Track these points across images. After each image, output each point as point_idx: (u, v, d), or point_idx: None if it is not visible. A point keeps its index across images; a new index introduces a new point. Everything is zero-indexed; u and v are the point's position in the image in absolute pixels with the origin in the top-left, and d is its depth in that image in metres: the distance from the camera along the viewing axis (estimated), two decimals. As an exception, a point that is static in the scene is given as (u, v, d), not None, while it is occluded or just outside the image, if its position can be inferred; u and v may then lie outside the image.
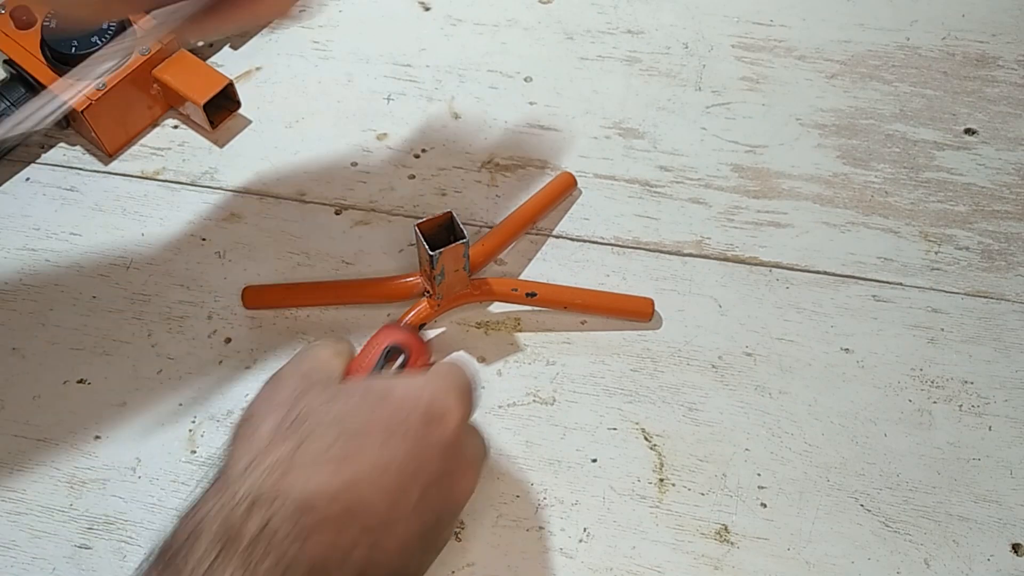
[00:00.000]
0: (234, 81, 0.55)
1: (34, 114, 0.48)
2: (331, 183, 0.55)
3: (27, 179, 0.55)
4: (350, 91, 0.59)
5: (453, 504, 0.37)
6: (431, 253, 0.44)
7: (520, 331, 0.50)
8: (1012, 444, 0.47)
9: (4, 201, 0.55)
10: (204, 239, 0.53)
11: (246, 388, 0.48)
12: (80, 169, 0.56)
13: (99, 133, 0.54)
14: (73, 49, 0.52)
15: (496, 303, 0.51)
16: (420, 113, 0.58)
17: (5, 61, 0.54)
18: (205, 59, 0.59)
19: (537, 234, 0.53)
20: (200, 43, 0.60)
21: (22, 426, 0.47)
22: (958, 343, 0.49)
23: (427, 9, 0.62)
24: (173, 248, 0.53)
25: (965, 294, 0.51)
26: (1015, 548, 0.44)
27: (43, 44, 0.53)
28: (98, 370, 0.49)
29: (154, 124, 0.58)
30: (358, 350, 0.42)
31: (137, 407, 0.48)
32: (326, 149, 0.56)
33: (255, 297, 0.51)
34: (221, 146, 0.57)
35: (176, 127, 0.58)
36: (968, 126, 0.57)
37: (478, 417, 0.44)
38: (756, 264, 0.52)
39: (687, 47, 0.60)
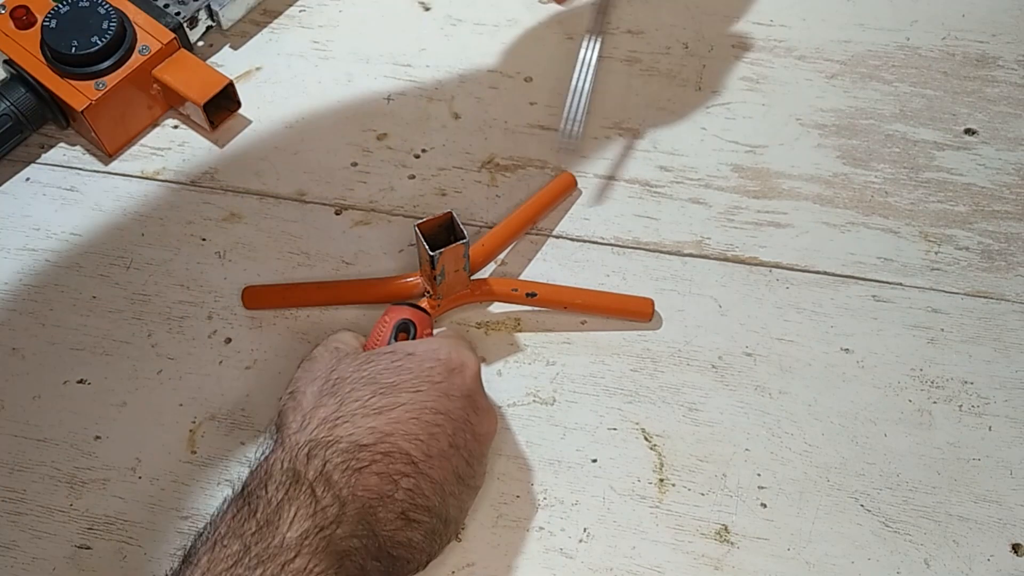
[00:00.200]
0: (234, 81, 0.55)
1: None
2: (331, 183, 0.55)
3: (27, 179, 0.55)
4: (350, 91, 0.59)
5: (481, 444, 0.42)
6: (431, 253, 0.44)
7: (520, 331, 0.50)
8: (1012, 444, 0.47)
9: (4, 201, 0.55)
10: (204, 239, 0.53)
11: (246, 388, 0.48)
12: (80, 169, 0.56)
13: (99, 133, 0.54)
14: (73, 49, 0.52)
15: (496, 303, 0.51)
16: (420, 113, 0.58)
17: (5, 61, 0.54)
18: (205, 59, 0.59)
19: (537, 234, 0.53)
20: (200, 43, 0.60)
21: (22, 426, 0.47)
22: (958, 343, 0.49)
23: (427, 9, 0.62)
24: (173, 248, 0.53)
25: (965, 294, 0.51)
26: (1015, 548, 0.44)
27: (43, 44, 0.53)
28: (98, 370, 0.49)
29: (154, 124, 0.58)
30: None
31: (137, 407, 0.48)
32: (326, 149, 0.56)
33: (255, 298, 0.51)
34: (221, 146, 0.57)
35: (176, 127, 0.58)
36: (968, 126, 0.57)
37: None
38: (756, 264, 0.52)
39: (687, 47, 0.60)
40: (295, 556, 0.33)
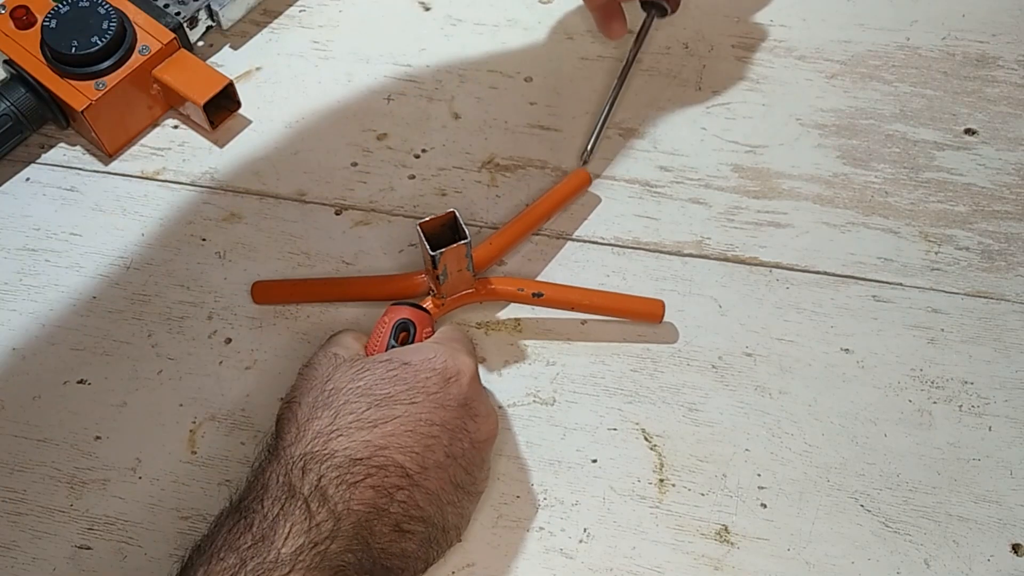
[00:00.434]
0: (234, 81, 0.55)
1: None
2: (331, 183, 0.55)
3: (27, 179, 0.55)
4: (350, 91, 0.59)
5: (480, 450, 0.41)
6: (432, 253, 0.44)
7: (520, 332, 0.50)
8: (1012, 444, 0.47)
9: (4, 201, 0.55)
10: (204, 239, 0.53)
11: (246, 388, 0.48)
12: (80, 169, 0.56)
13: (99, 133, 0.54)
14: (73, 49, 0.52)
15: (499, 304, 0.51)
16: (420, 113, 0.58)
17: (5, 61, 0.54)
18: (205, 59, 0.59)
19: (537, 234, 0.53)
20: (200, 43, 0.60)
21: (22, 426, 0.47)
22: (958, 343, 0.49)
23: (427, 9, 0.62)
24: (173, 248, 0.53)
25: (965, 294, 0.51)
26: (1015, 548, 0.44)
27: (43, 44, 0.53)
28: (98, 370, 0.49)
29: (154, 124, 0.58)
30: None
31: (137, 407, 0.48)
32: (326, 149, 0.56)
33: (264, 292, 0.51)
34: (221, 146, 0.57)
35: (176, 127, 0.58)
36: (968, 126, 0.57)
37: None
38: (756, 264, 0.52)
39: (687, 47, 0.60)
40: (289, 572, 0.34)
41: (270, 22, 0.61)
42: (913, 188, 0.55)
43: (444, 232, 0.45)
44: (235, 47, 0.60)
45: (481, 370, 0.49)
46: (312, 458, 0.37)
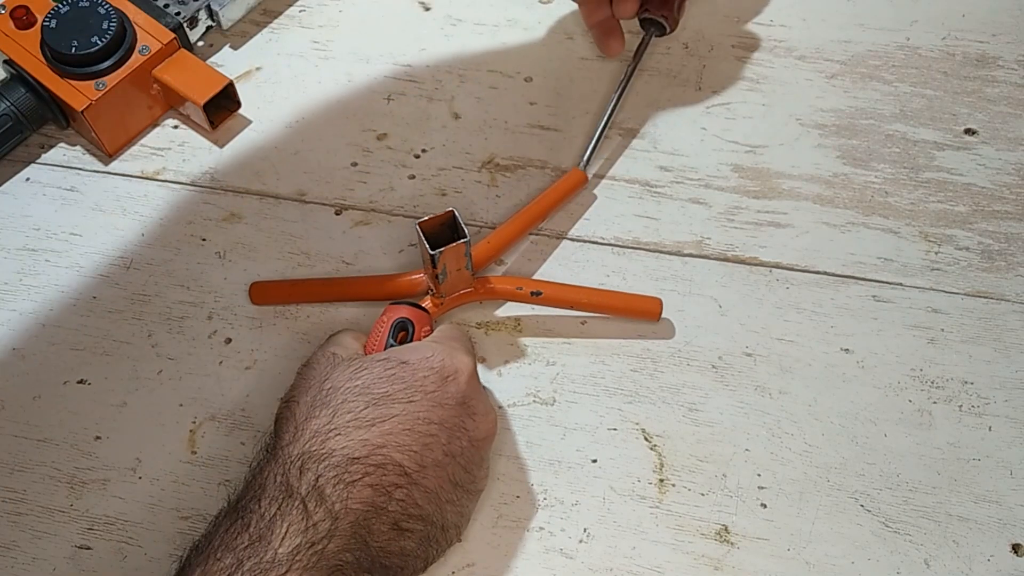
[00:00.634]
0: (234, 81, 0.55)
1: None
2: (331, 183, 0.55)
3: (27, 179, 0.55)
4: (350, 91, 0.59)
5: (479, 448, 0.41)
6: (432, 252, 0.44)
7: (520, 332, 0.50)
8: (1012, 444, 0.47)
9: (4, 201, 0.55)
10: (204, 239, 0.53)
11: (246, 388, 0.48)
12: (80, 169, 0.56)
13: (99, 133, 0.54)
14: (73, 49, 0.52)
15: (498, 303, 0.51)
16: (420, 113, 0.58)
17: (5, 61, 0.54)
18: (205, 59, 0.59)
19: (537, 234, 0.53)
20: (200, 43, 0.60)
21: (22, 426, 0.47)
22: (958, 343, 0.49)
23: (427, 9, 0.62)
24: (173, 248, 0.53)
25: (965, 294, 0.51)
26: (1015, 548, 0.44)
27: (43, 44, 0.53)
28: (98, 370, 0.49)
29: (154, 124, 0.58)
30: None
31: (137, 407, 0.48)
32: (326, 149, 0.56)
33: (261, 293, 0.51)
34: (221, 146, 0.57)
35: (176, 127, 0.58)
36: (968, 126, 0.57)
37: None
38: (756, 264, 0.52)
39: (687, 47, 0.60)
40: (286, 571, 0.34)
41: (270, 22, 0.61)
42: (913, 188, 0.55)
43: (443, 231, 0.45)
44: (235, 47, 0.60)
45: (481, 370, 0.49)
46: (310, 457, 0.37)
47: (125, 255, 0.53)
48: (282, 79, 0.59)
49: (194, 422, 0.47)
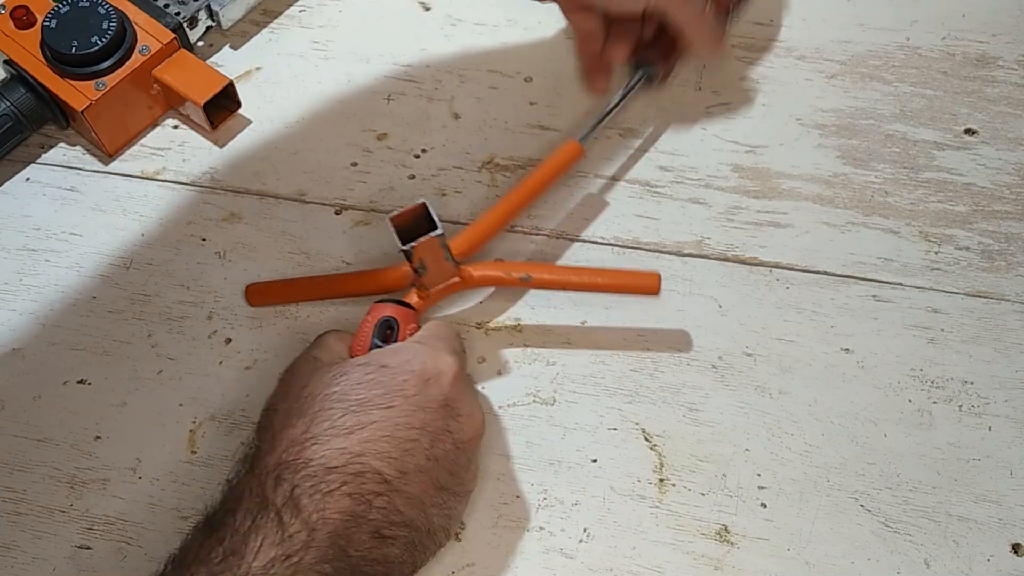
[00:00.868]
0: (234, 81, 0.55)
1: None
2: (331, 183, 0.55)
3: (27, 179, 0.55)
4: (350, 91, 0.59)
5: (464, 451, 0.41)
6: (403, 248, 0.43)
7: (520, 332, 0.50)
8: (1012, 444, 0.47)
9: (4, 201, 0.55)
10: (204, 239, 0.53)
11: (246, 388, 0.48)
12: (80, 169, 0.56)
13: (99, 133, 0.54)
14: (73, 49, 0.52)
15: (498, 302, 0.51)
16: (420, 113, 0.58)
17: (5, 61, 0.54)
18: (205, 59, 0.59)
19: (537, 234, 0.53)
20: (200, 43, 0.60)
21: (22, 426, 0.47)
22: (958, 343, 0.49)
23: (427, 9, 0.62)
24: (173, 248, 0.53)
25: (965, 294, 0.51)
26: (1015, 548, 0.44)
27: (43, 44, 0.53)
28: (98, 370, 0.49)
29: (154, 124, 0.58)
30: None
31: (137, 407, 0.48)
32: (326, 149, 0.56)
33: (257, 294, 0.51)
34: (221, 146, 0.57)
35: (176, 127, 0.58)
36: (968, 126, 0.57)
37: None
38: (756, 264, 0.52)
39: (687, 47, 0.60)
40: None
41: (270, 22, 0.61)
42: (913, 188, 0.55)
43: (420, 223, 0.44)
44: (235, 47, 0.60)
45: (481, 370, 0.49)
46: (286, 467, 0.36)
47: (125, 255, 0.53)
48: (282, 79, 0.59)
49: (194, 422, 0.47)
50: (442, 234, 0.43)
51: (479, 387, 0.48)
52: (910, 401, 0.48)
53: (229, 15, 0.59)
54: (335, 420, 0.37)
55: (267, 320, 0.50)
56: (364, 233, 0.53)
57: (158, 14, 0.56)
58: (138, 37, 0.54)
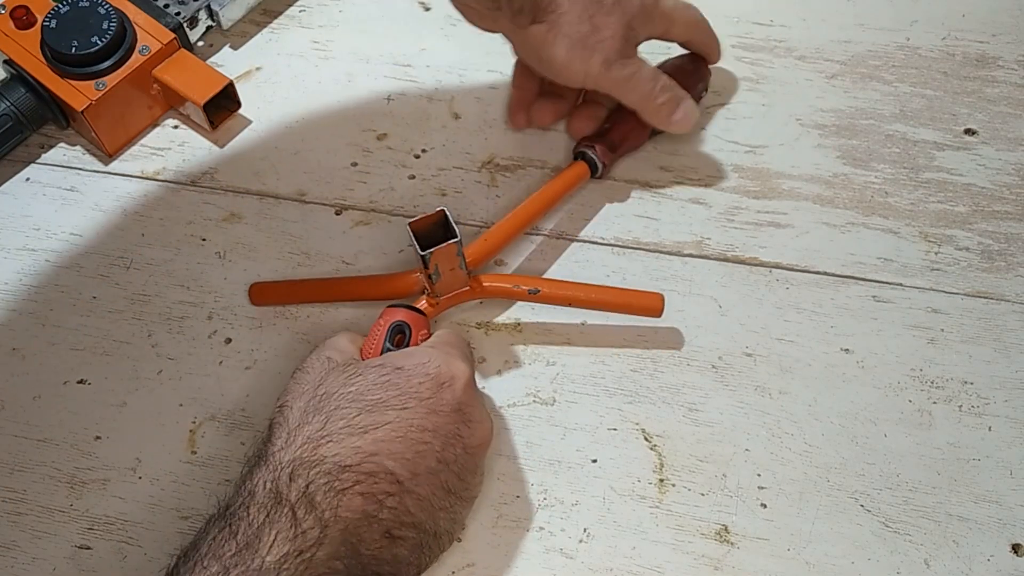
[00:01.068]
0: (234, 81, 0.55)
1: None
2: (331, 183, 0.55)
3: (27, 179, 0.55)
4: (350, 91, 0.59)
5: (473, 456, 0.41)
6: (422, 253, 0.43)
7: (520, 332, 0.50)
8: (1012, 444, 0.47)
9: (4, 201, 0.55)
10: (204, 239, 0.53)
11: (246, 388, 0.48)
12: (80, 169, 0.56)
13: (99, 133, 0.54)
14: (73, 49, 0.52)
15: (499, 303, 0.51)
16: (420, 113, 0.58)
17: (5, 61, 0.54)
18: (205, 59, 0.59)
19: (536, 234, 0.53)
20: (200, 43, 0.60)
21: (22, 426, 0.47)
22: (958, 343, 0.49)
23: (427, 9, 0.62)
24: (173, 248, 0.53)
25: (965, 294, 0.51)
26: (1015, 548, 0.44)
27: (43, 44, 0.53)
28: (98, 370, 0.49)
29: (154, 124, 0.58)
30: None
31: (137, 407, 0.48)
32: (326, 149, 0.56)
33: (261, 293, 0.51)
34: (221, 146, 0.57)
35: (176, 127, 0.58)
36: (968, 126, 0.57)
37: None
38: (756, 264, 0.52)
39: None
40: None
41: (270, 22, 0.61)
42: (913, 188, 0.55)
43: (435, 231, 0.45)
44: (235, 47, 0.60)
45: (481, 370, 0.49)
46: (301, 464, 0.36)
47: (125, 255, 0.53)
48: (282, 79, 0.59)
49: (194, 422, 0.47)
50: (459, 241, 0.44)
51: (479, 387, 0.48)
52: (910, 401, 0.48)
53: (229, 15, 0.59)
54: (351, 419, 0.38)
55: (267, 320, 0.50)
56: (364, 233, 0.53)
57: (158, 14, 0.56)
58: (138, 37, 0.54)
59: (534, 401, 0.48)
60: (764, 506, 0.45)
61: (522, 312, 0.51)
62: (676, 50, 0.61)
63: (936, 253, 0.52)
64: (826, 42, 0.60)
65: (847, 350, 0.49)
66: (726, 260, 0.52)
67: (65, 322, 0.50)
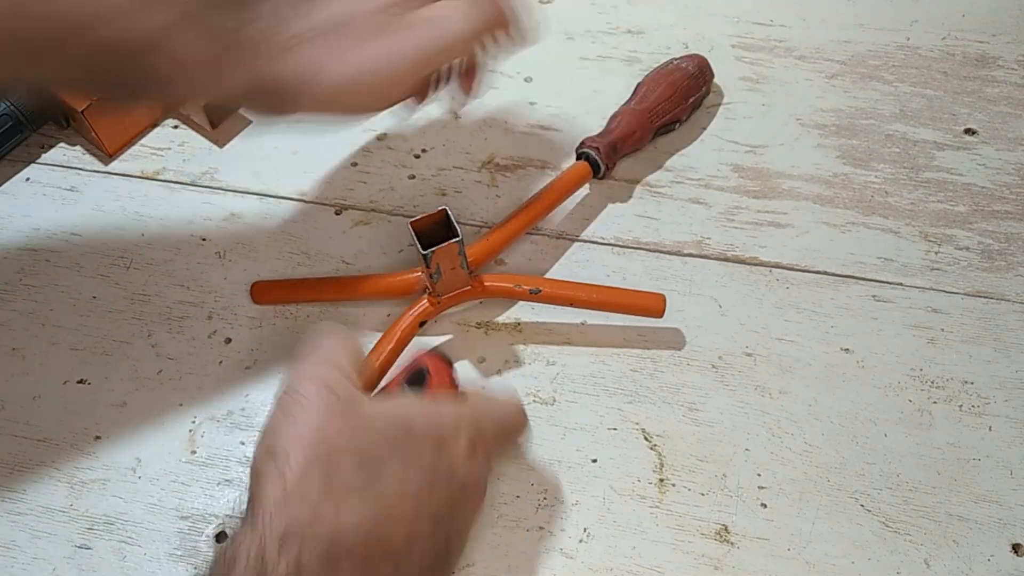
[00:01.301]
0: (234, 81, 0.55)
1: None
2: (331, 183, 0.55)
3: (27, 179, 0.55)
4: (350, 91, 0.58)
5: (463, 525, 0.39)
6: (423, 252, 0.44)
7: (520, 332, 0.50)
8: (1012, 444, 0.47)
9: (4, 201, 0.55)
10: (204, 239, 0.53)
11: (246, 388, 0.48)
12: (80, 169, 0.56)
13: (99, 133, 0.54)
14: (73, 49, 0.52)
15: (499, 303, 0.51)
16: (420, 113, 0.58)
17: (5, 61, 0.54)
18: (205, 59, 0.59)
19: (537, 234, 0.53)
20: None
21: (22, 426, 0.47)
22: (958, 343, 0.49)
23: (427, 9, 0.62)
24: (173, 248, 0.53)
25: (965, 294, 0.51)
26: (1015, 548, 0.44)
27: (43, 44, 0.53)
28: (98, 370, 0.49)
29: (154, 124, 0.58)
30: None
31: (137, 407, 0.48)
32: (326, 149, 0.56)
33: (263, 292, 0.51)
34: (221, 146, 0.57)
35: (176, 127, 0.58)
36: (968, 126, 0.57)
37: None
38: (756, 264, 0.52)
39: (687, 47, 0.60)
40: None
41: (270, 22, 0.61)
42: (913, 188, 0.55)
43: (437, 230, 0.45)
44: (235, 47, 0.60)
45: (481, 370, 0.49)
46: (292, 535, 0.33)
47: (125, 255, 0.53)
48: (282, 79, 0.59)
49: (194, 422, 0.47)
50: (461, 241, 0.44)
51: (480, 387, 0.48)
52: (910, 401, 0.48)
53: (229, 15, 0.59)
54: (351, 478, 0.35)
55: (267, 320, 0.50)
56: (364, 233, 0.53)
57: (158, 14, 0.55)
58: (138, 37, 0.54)
59: (534, 401, 0.48)
60: (764, 506, 0.45)
61: (522, 312, 0.51)
62: (676, 50, 0.61)
63: (936, 253, 0.52)
64: (826, 42, 0.60)
65: (847, 350, 0.49)
66: (726, 260, 0.52)
67: (65, 322, 0.50)
